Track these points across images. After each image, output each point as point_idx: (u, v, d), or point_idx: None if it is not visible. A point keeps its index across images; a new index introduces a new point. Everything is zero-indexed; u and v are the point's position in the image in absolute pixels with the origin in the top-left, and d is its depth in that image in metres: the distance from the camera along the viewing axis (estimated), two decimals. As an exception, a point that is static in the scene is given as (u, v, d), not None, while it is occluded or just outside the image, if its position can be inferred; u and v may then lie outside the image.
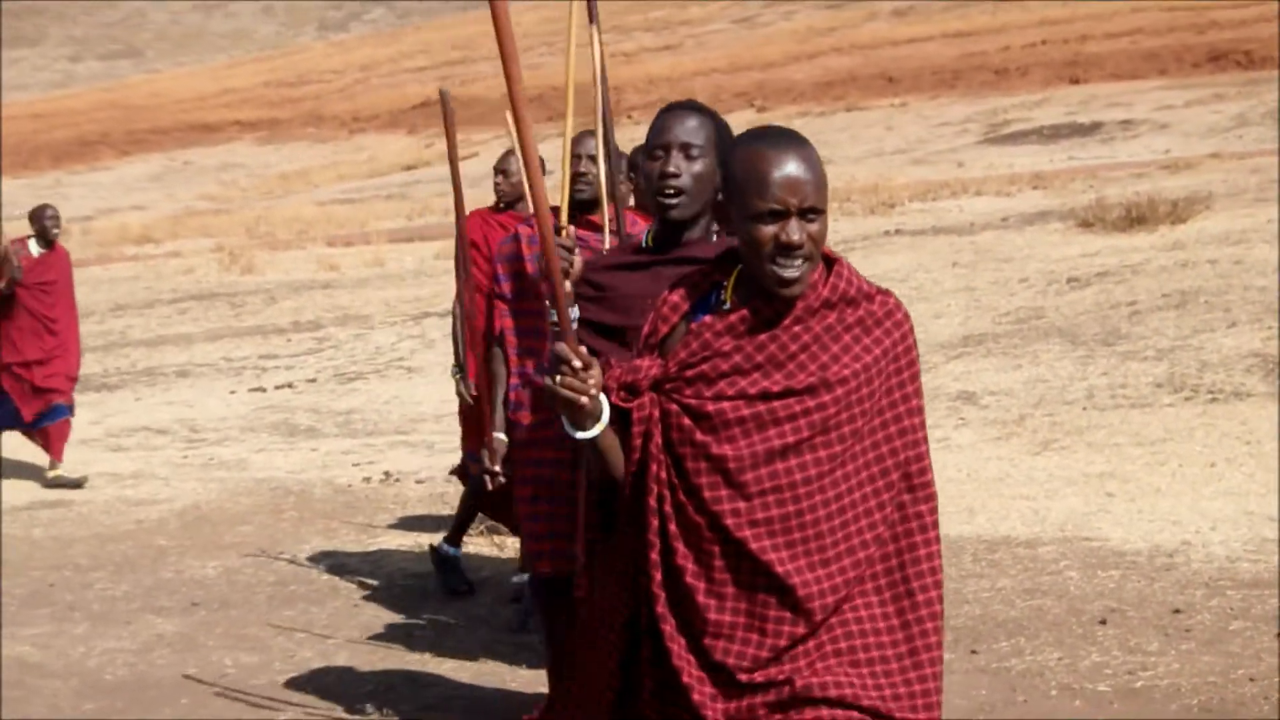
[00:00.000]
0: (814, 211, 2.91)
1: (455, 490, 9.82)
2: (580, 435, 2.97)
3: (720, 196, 3.04)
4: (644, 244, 4.18)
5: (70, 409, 11.13)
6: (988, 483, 8.76)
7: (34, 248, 10.95)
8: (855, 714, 2.93)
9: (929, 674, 3.00)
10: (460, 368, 7.39)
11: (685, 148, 3.97)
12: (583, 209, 5.26)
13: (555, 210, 4.43)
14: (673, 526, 2.96)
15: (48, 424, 10.97)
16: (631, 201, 5.69)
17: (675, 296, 3.09)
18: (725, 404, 2.94)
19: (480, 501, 7.44)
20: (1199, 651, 6.03)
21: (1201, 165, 23.03)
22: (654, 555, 2.97)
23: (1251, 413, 9.65)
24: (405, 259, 23.52)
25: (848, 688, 2.93)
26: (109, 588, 8.15)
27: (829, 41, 59.87)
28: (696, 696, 2.94)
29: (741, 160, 2.95)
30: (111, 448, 12.19)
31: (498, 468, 5.48)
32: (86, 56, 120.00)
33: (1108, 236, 16.53)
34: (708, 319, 3.01)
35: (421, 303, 18.80)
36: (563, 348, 2.91)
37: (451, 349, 7.68)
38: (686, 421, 2.96)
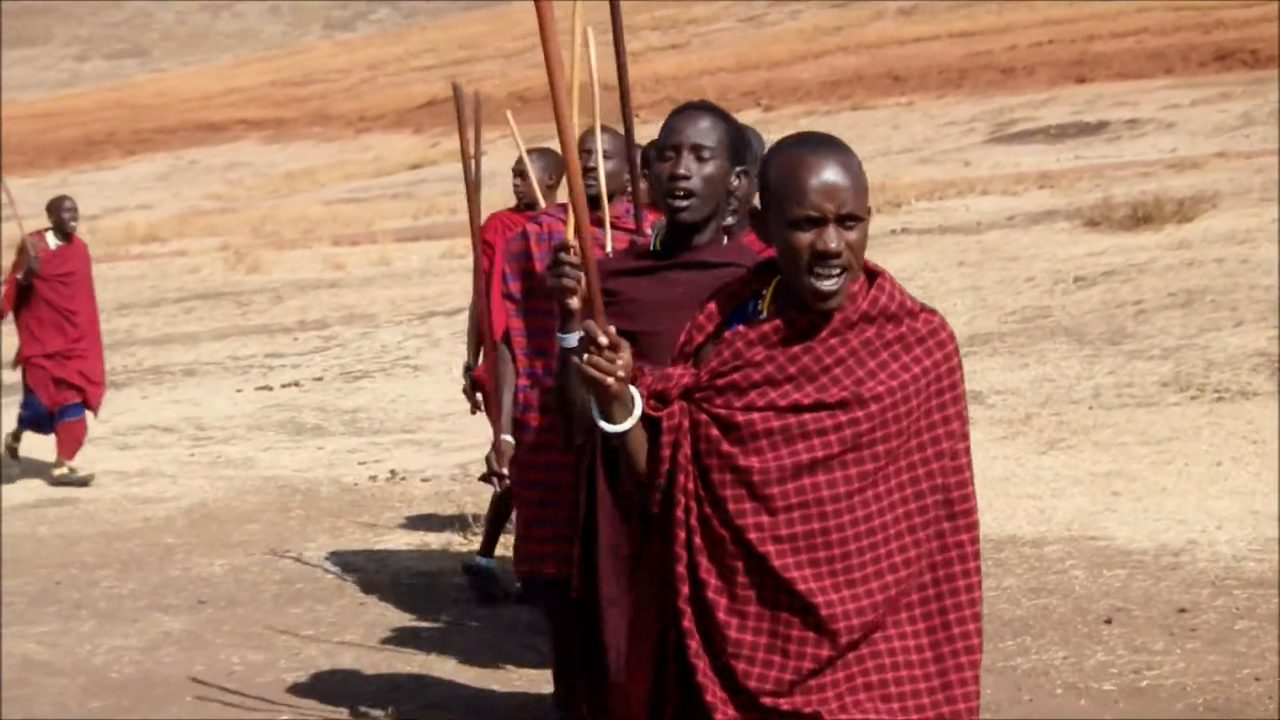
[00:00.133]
0: (853, 219, 2.82)
1: (461, 489, 9.83)
2: (611, 429, 2.89)
3: (758, 204, 2.94)
4: (652, 248, 4.12)
5: (84, 408, 11.05)
6: (994, 482, 8.76)
7: (52, 240, 10.95)
8: None
9: (962, 710, 2.89)
10: (469, 369, 7.37)
11: (696, 149, 3.89)
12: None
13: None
14: (698, 540, 2.87)
15: (60, 421, 10.94)
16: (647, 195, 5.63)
17: (713, 305, 2.99)
18: (755, 415, 2.85)
19: (507, 507, 7.32)
20: (1204, 651, 6.03)
21: (1208, 164, 23.00)
22: (680, 569, 2.88)
23: (1258, 412, 9.64)
24: (411, 258, 23.54)
25: None
26: (115, 586, 8.17)
27: (835, 41, 59.83)
28: (719, 718, 2.85)
29: (778, 166, 2.86)
30: (118, 446, 12.21)
31: (505, 470, 5.47)
32: (93, 56, 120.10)
33: (1114, 236, 16.52)
34: (741, 328, 2.92)
35: (428, 301, 18.82)
36: (591, 325, 2.84)
37: (466, 349, 7.64)
38: (715, 432, 2.87)
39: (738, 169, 3.95)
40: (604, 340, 2.83)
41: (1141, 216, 16.70)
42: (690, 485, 2.88)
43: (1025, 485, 8.71)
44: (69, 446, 10.96)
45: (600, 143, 4.55)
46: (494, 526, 7.51)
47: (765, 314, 2.93)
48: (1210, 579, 6.90)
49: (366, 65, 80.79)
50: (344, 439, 12.01)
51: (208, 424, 13.04)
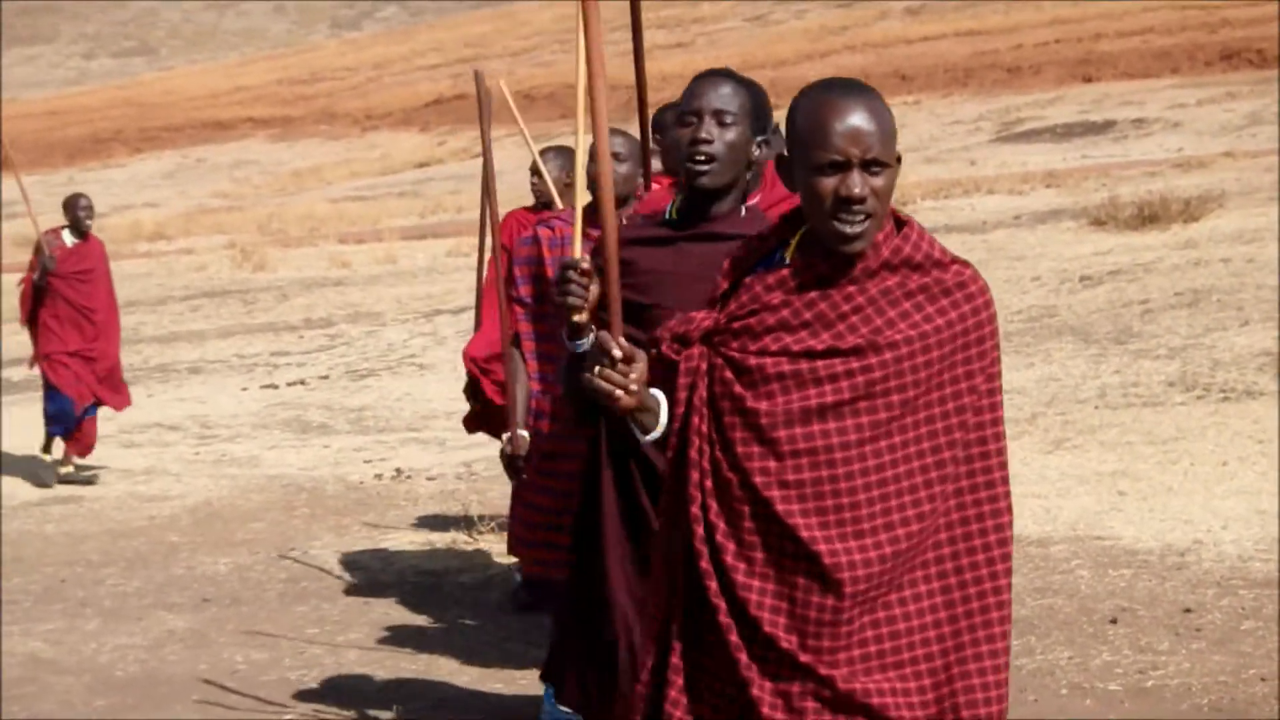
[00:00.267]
0: (878, 164, 2.74)
1: (467, 488, 9.83)
2: (645, 438, 2.87)
3: (784, 151, 2.86)
4: (668, 215, 3.97)
5: (98, 407, 11.03)
6: (999, 481, 8.75)
7: (68, 238, 10.94)
8: None
9: (975, 680, 2.82)
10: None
11: (718, 114, 3.78)
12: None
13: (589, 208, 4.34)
14: (709, 483, 2.83)
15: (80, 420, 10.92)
16: (656, 164, 5.60)
17: (740, 253, 2.95)
18: (767, 359, 2.81)
19: None
20: (1210, 651, 6.02)
21: (1214, 164, 22.98)
22: (695, 509, 2.84)
23: (1264, 411, 9.63)
24: (417, 256, 23.55)
25: (889, 695, 2.79)
26: (120, 584, 8.17)
27: (841, 40, 59.79)
28: (741, 658, 2.80)
29: (803, 110, 2.79)
30: (124, 444, 12.21)
31: (521, 459, 5.42)
32: (100, 54, 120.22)
33: (1120, 235, 16.51)
34: (760, 272, 2.88)
35: (433, 300, 18.83)
36: (605, 336, 2.81)
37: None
38: (729, 374, 2.83)
39: (759, 138, 3.85)
40: (617, 354, 2.81)
41: (1148, 216, 16.69)
42: (704, 428, 2.85)
43: (1031, 485, 8.69)
44: (83, 446, 10.95)
45: (608, 146, 4.54)
46: None
47: (789, 262, 2.88)
48: (1216, 579, 6.89)
49: (373, 64, 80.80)
50: (349, 437, 12.02)
51: (213, 422, 13.04)
